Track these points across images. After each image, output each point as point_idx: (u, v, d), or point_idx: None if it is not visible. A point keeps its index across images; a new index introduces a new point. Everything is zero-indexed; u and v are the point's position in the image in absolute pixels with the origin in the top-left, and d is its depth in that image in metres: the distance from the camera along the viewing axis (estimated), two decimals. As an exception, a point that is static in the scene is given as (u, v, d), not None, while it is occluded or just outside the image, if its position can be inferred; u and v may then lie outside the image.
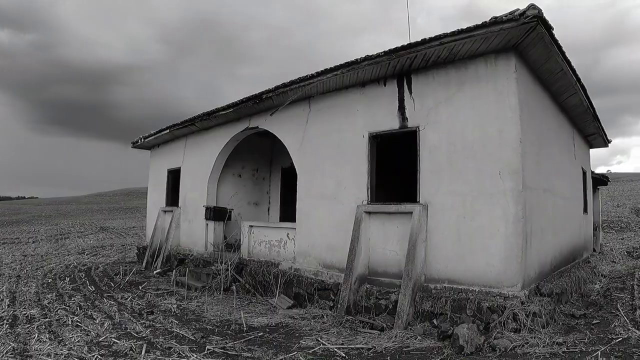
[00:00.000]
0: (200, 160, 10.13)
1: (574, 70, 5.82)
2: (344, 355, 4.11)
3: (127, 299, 7.27)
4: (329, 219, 6.65)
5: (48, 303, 6.70)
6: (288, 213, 11.04)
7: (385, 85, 6.13)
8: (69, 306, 6.52)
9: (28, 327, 5.25)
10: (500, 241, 4.81)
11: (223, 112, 8.61)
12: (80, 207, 48.47)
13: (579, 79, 6.20)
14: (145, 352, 4.33)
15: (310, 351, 4.26)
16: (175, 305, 6.67)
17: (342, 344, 4.43)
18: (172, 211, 10.89)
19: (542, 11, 4.37)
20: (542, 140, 5.95)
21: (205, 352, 4.35)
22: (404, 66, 5.68)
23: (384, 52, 5.50)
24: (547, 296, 4.98)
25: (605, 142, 9.95)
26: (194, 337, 4.90)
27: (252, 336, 4.92)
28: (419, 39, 5.18)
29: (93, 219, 32.85)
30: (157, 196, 12.02)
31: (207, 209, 9.67)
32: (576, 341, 4.09)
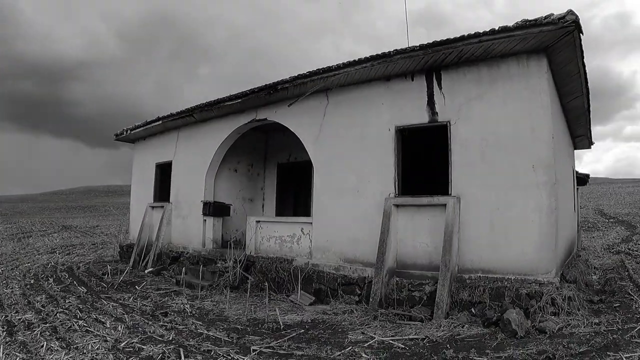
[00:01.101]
0: (196, 154, 9.84)
1: (586, 74, 6.36)
2: (402, 346, 4.22)
3: (128, 299, 6.91)
4: (350, 213, 6.74)
5: (41, 306, 6.21)
6: (284, 209, 11.04)
7: (412, 80, 6.34)
8: (67, 309, 6.05)
9: (30, 334, 4.75)
10: (534, 231, 5.17)
11: (229, 103, 8.44)
12: (37, 205, 45.87)
13: (587, 82, 6.78)
14: (184, 356, 4.07)
15: (366, 345, 4.31)
16: (187, 305, 6.41)
17: (393, 336, 4.54)
18: (162, 207, 10.47)
19: (579, 17, 4.77)
20: (558, 138, 6.44)
21: (252, 353, 4.19)
22: (436, 61, 5.93)
23: (420, 46, 5.71)
24: (572, 282, 5.42)
25: (589, 144, 10.90)
26: (229, 339, 4.71)
27: (294, 334, 4.85)
28: (457, 35, 5.44)
29: (52, 218, 31.05)
30: (142, 191, 11.49)
31: (206, 204, 9.42)
32: (610, 321, 4.52)
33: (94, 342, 4.48)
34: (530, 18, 5.08)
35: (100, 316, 5.69)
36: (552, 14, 4.96)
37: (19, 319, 5.41)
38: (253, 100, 8.20)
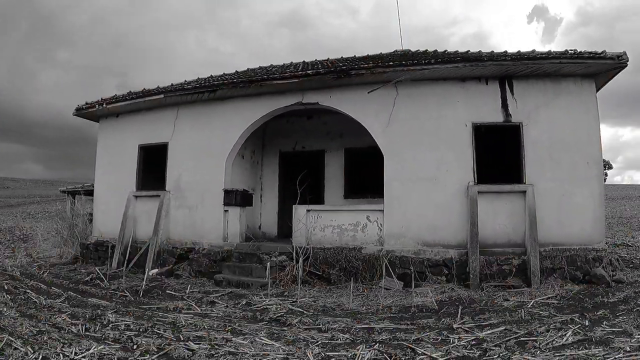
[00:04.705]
0: (209, 135, 9.51)
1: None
2: (556, 302, 5.82)
3: (188, 309, 6.27)
4: (428, 200, 8.02)
5: (85, 330, 4.95)
6: (288, 200, 11.38)
7: (487, 84, 8.03)
8: (135, 330, 5.06)
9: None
10: (590, 212, 7.49)
11: (280, 82, 8.62)
12: None
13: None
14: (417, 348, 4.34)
15: (529, 306, 5.71)
16: (288, 304, 6.36)
17: (533, 298, 6.06)
18: (156, 197, 9.64)
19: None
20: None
21: (458, 331, 4.88)
22: (516, 71, 7.74)
23: (510, 56, 7.43)
24: (603, 251, 7.99)
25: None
26: (408, 326, 5.16)
27: (457, 310, 5.74)
28: (539, 53, 7.34)
29: None
30: (115, 178, 10.18)
31: (230, 192, 9.24)
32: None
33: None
34: (582, 50, 7.36)
35: (209, 333, 4.95)
36: (605, 51, 7.30)
37: (91, 355, 4.14)
38: (306, 82, 8.58)
